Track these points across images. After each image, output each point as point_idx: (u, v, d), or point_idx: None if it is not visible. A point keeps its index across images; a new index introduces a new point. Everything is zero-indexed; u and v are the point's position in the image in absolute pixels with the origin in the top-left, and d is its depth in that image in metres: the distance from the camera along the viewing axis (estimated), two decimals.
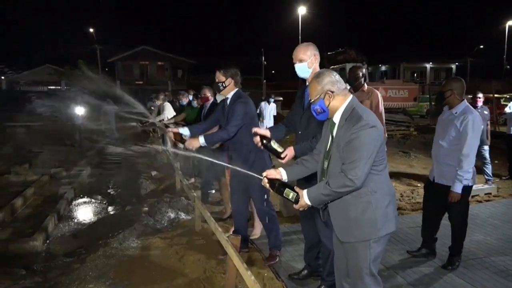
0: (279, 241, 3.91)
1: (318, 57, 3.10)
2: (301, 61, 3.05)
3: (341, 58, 19.38)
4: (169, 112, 8.80)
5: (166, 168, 8.46)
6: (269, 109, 13.83)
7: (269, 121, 13.61)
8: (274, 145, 2.99)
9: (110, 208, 6.88)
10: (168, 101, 9.57)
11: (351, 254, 2.37)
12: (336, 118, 2.35)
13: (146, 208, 5.66)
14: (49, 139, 12.73)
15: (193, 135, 3.62)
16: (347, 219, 2.32)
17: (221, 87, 3.70)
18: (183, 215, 5.34)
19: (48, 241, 5.34)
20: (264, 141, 2.98)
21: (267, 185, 2.47)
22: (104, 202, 7.24)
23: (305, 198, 2.31)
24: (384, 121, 4.57)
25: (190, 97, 7.71)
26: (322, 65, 3.16)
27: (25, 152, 11.33)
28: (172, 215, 5.29)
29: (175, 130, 3.67)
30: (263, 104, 13.92)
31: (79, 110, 13.48)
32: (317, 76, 2.37)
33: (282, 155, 2.97)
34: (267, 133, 3.04)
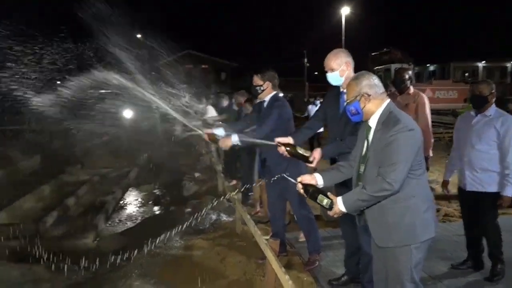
0: (318, 245, 3.89)
1: (350, 64, 3.05)
2: (332, 70, 3.04)
3: (386, 59, 18.92)
4: (211, 114, 9.00)
5: (208, 170, 8.65)
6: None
7: None
8: (300, 150, 3.00)
9: (155, 208, 7.14)
10: (212, 104, 9.79)
11: (391, 260, 2.33)
12: (372, 122, 2.33)
13: (189, 209, 5.82)
14: (100, 141, 13.36)
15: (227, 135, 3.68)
16: (385, 224, 2.28)
17: (259, 91, 3.76)
18: (224, 217, 5.45)
19: (98, 239, 5.62)
20: (288, 149, 2.99)
21: (301, 190, 2.46)
22: (150, 202, 7.53)
23: (339, 204, 2.29)
24: (430, 124, 4.44)
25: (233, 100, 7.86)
26: (365, 66, 3.13)
27: (78, 152, 11.97)
28: (214, 217, 5.41)
29: (209, 131, 3.76)
30: (310, 107, 13.81)
31: (128, 113, 14.02)
32: (355, 78, 2.37)
33: (310, 159, 2.97)
34: (290, 140, 3.06)
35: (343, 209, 2.29)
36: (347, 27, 27.38)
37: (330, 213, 2.35)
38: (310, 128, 3.39)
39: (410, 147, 2.15)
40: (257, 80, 3.74)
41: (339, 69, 3.02)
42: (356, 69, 2.89)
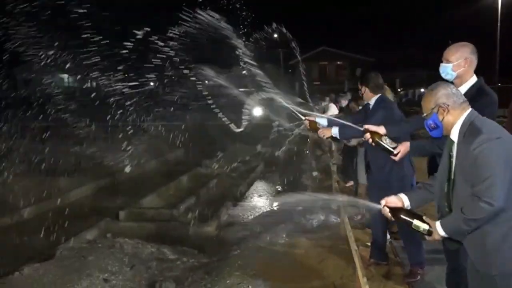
0: (421, 257, 3.65)
1: (471, 61, 2.76)
2: (447, 61, 2.81)
3: None
4: (332, 112, 8.97)
5: (328, 169, 8.67)
6: None
7: None
8: (386, 140, 2.87)
9: (274, 204, 7.53)
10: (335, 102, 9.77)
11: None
12: (454, 135, 2.13)
13: (301, 208, 6.00)
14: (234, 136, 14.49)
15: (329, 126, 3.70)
16: (484, 247, 2.05)
17: (360, 94, 3.84)
18: (333, 218, 5.47)
19: (219, 228, 6.21)
20: (376, 138, 2.87)
21: (389, 214, 2.31)
22: (270, 197, 7.98)
23: (439, 230, 2.11)
24: None
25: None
26: None
27: (216, 147, 13.24)
28: (322, 217, 5.48)
29: (311, 118, 3.81)
30: None
31: (257, 111, 14.79)
32: (431, 89, 2.20)
33: (395, 151, 2.82)
34: (380, 130, 2.95)
35: (443, 234, 2.11)
36: (506, 16, 23.84)
37: (429, 239, 2.19)
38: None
39: (502, 158, 1.92)
40: (359, 85, 3.83)
41: (455, 62, 2.77)
42: None
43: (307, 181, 7.93)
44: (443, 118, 2.13)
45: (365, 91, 3.73)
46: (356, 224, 4.88)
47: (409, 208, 2.33)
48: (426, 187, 2.40)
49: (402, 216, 2.23)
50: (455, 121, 2.11)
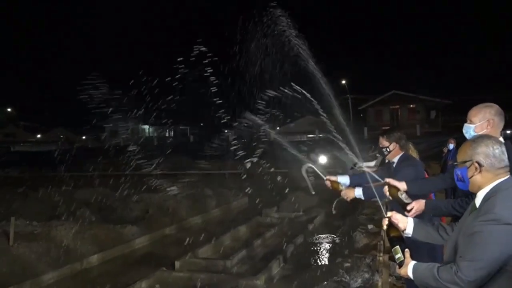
0: None
1: (496, 123, 2.70)
2: (471, 122, 2.79)
3: None
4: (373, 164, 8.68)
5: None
6: None
7: None
8: (402, 195, 2.82)
9: (328, 257, 7.40)
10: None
11: None
12: (478, 200, 1.98)
13: (349, 264, 5.84)
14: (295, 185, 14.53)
15: (351, 185, 3.61)
16: None
17: (385, 152, 3.69)
18: (377, 277, 5.24)
19: (268, 281, 6.23)
20: (393, 192, 2.86)
21: (385, 226, 2.29)
22: (326, 250, 7.85)
23: (409, 269, 2.04)
24: None
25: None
26: None
27: (277, 195, 13.36)
28: (367, 275, 5.28)
29: (332, 178, 3.65)
30: None
31: (322, 159, 14.70)
32: (474, 141, 2.04)
33: (408, 207, 2.75)
34: (401, 185, 2.91)
35: (410, 275, 2.04)
36: None
37: (397, 270, 2.16)
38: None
39: (500, 246, 1.75)
40: (383, 141, 3.69)
41: (477, 123, 2.75)
42: None
43: (360, 235, 7.68)
44: (473, 175, 1.97)
45: (394, 147, 3.64)
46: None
47: (409, 235, 2.28)
48: (439, 228, 2.28)
49: (392, 235, 2.22)
50: (483, 186, 1.95)
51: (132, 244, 8.34)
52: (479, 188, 1.96)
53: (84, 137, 46.89)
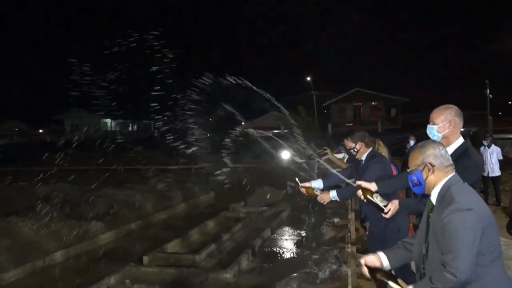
0: None
1: (456, 123, 2.83)
2: (433, 123, 2.93)
3: None
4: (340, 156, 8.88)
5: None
6: (489, 152, 10.63)
7: (492, 168, 9.95)
8: (377, 198, 2.90)
9: (296, 250, 7.53)
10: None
11: None
12: (433, 197, 2.17)
13: (317, 256, 6.00)
14: (264, 179, 14.62)
15: (325, 189, 3.74)
16: None
17: (354, 152, 3.81)
18: (345, 268, 5.42)
19: (238, 275, 6.27)
20: (367, 195, 2.93)
21: (367, 274, 2.30)
22: (293, 243, 7.98)
23: None
24: None
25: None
26: None
27: (244, 190, 13.41)
28: (335, 267, 5.44)
29: (306, 185, 3.80)
30: (481, 148, 10.80)
31: (285, 154, 14.87)
32: (421, 146, 2.25)
33: (386, 210, 2.88)
34: (371, 187, 3.00)
35: None
36: None
37: None
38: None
39: (470, 230, 1.92)
40: (348, 143, 3.82)
41: (439, 124, 2.89)
42: None
43: (327, 228, 7.88)
44: (427, 177, 2.17)
45: (361, 146, 3.77)
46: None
47: (388, 267, 2.34)
48: (405, 245, 2.40)
49: (379, 277, 2.24)
50: (437, 183, 2.15)
51: (98, 240, 8.14)
52: (433, 187, 2.17)
53: (41, 131, 44.87)
